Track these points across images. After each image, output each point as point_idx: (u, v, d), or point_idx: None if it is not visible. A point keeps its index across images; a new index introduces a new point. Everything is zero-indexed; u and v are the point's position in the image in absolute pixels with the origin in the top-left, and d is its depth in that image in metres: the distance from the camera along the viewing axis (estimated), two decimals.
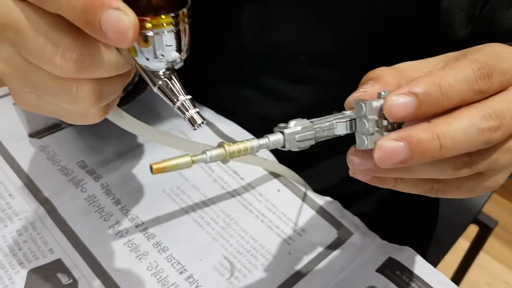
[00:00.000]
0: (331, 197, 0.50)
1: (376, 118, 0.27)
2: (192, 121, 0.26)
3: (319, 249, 0.45)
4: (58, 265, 0.42)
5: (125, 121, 0.35)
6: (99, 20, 0.23)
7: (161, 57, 0.26)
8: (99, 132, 0.54)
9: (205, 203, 0.48)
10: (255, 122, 0.57)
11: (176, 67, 0.27)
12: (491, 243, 1.07)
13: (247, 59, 0.55)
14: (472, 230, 0.82)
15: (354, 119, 0.28)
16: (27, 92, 0.28)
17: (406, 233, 0.58)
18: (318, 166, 0.58)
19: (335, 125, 0.28)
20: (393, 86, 0.28)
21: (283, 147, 0.27)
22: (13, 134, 0.53)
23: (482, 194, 0.31)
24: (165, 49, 0.25)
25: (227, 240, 0.45)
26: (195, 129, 0.26)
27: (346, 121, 0.28)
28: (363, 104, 0.27)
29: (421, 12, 0.47)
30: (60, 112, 0.29)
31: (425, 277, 0.43)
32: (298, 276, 0.43)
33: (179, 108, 0.26)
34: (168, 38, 0.25)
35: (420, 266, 0.44)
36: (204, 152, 0.25)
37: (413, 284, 0.42)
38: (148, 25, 0.24)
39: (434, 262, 0.68)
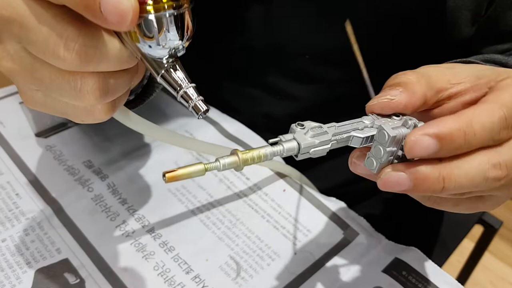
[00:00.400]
0: (337, 197, 0.50)
1: (394, 149, 0.27)
2: (196, 109, 0.26)
3: (325, 250, 0.45)
4: (65, 265, 0.42)
5: (132, 120, 0.35)
6: (99, 3, 0.23)
7: (163, 43, 0.25)
8: (105, 131, 0.54)
9: (211, 203, 0.48)
10: (259, 120, 0.57)
11: (179, 54, 0.27)
12: (496, 243, 1.07)
13: (251, 57, 0.55)
14: (477, 231, 0.82)
15: (371, 136, 0.28)
16: (34, 90, 0.28)
17: (411, 234, 0.58)
18: (323, 166, 0.58)
19: (352, 138, 0.28)
20: (419, 98, 0.28)
21: (296, 155, 0.27)
22: (20, 133, 0.53)
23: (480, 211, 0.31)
24: (166, 34, 0.25)
25: (233, 240, 0.45)
26: (199, 118, 0.26)
27: (363, 137, 0.28)
28: (386, 135, 0.27)
29: (427, 11, 0.47)
30: (67, 110, 0.29)
31: (431, 277, 0.43)
32: (304, 276, 0.43)
33: (182, 96, 0.26)
34: (169, 21, 0.25)
35: (427, 267, 0.44)
36: (217, 160, 0.25)
37: (419, 285, 0.42)
38: (149, 7, 0.24)
39: (439, 263, 0.67)
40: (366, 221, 0.48)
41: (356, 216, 0.49)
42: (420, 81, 0.29)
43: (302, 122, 0.28)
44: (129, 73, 0.29)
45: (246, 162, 0.26)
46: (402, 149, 0.27)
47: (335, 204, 0.49)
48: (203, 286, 0.42)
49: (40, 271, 0.41)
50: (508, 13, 0.46)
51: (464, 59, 0.37)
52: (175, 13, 0.25)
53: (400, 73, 0.30)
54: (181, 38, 0.26)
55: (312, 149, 0.27)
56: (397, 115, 0.29)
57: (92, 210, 0.46)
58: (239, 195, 0.49)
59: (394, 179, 0.27)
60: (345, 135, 0.28)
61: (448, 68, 0.31)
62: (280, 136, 0.27)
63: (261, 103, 0.57)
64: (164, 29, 0.25)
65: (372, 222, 0.49)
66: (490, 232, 0.82)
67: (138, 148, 0.53)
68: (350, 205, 0.50)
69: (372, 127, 0.28)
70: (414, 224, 0.65)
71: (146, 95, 0.40)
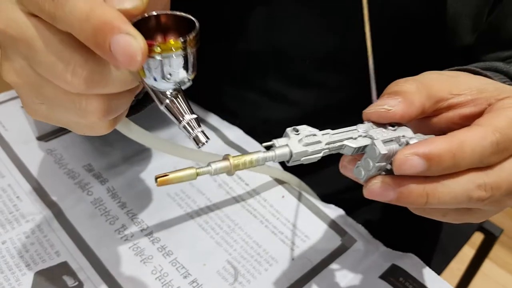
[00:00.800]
0: (335, 203, 0.51)
1: (383, 164, 0.28)
2: (196, 140, 0.27)
3: (323, 256, 0.45)
4: (64, 268, 0.42)
5: (133, 132, 0.36)
6: (109, 44, 0.23)
7: (168, 78, 0.26)
8: (106, 136, 0.54)
9: (209, 208, 0.49)
10: (259, 125, 0.57)
11: (183, 87, 0.28)
12: (496, 251, 1.06)
13: (252, 62, 0.55)
14: (477, 238, 0.82)
15: (364, 146, 0.28)
16: (38, 103, 0.29)
17: (410, 241, 0.58)
18: (322, 172, 0.58)
19: (344, 147, 0.29)
20: (417, 109, 0.29)
21: (287, 161, 0.28)
22: (22, 137, 0.54)
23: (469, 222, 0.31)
24: (172, 72, 0.26)
25: (231, 245, 0.46)
26: (199, 147, 0.27)
27: (355, 148, 0.28)
28: (377, 152, 0.27)
29: (428, 17, 0.47)
30: (69, 123, 0.30)
31: (429, 284, 0.43)
32: (301, 282, 0.43)
33: (184, 127, 0.27)
34: (176, 61, 0.25)
35: (424, 273, 0.44)
36: (209, 164, 0.26)
37: None
38: (157, 49, 0.24)
39: (439, 270, 0.68)
40: (364, 228, 0.48)
41: (354, 223, 0.49)
42: (420, 91, 0.29)
43: (297, 127, 0.28)
44: (132, 92, 0.29)
45: (237, 167, 0.27)
46: (391, 163, 0.27)
47: (333, 211, 0.50)
48: None
49: (39, 274, 0.41)
50: (509, 20, 0.46)
51: (465, 67, 0.37)
52: (182, 55, 0.25)
53: (401, 80, 0.30)
54: (187, 74, 0.27)
55: (303, 157, 0.28)
56: (392, 125, 0.29)
57: (91, 214, 0.47)
58: (238, 200, 0.50)
59: (379, 191, 0.28)
60: (337, 144, 0.28)
61: (451, 76, 0.31)
62: (274, 140, 0.28)
63: (260, 108, 0.58)
64: (171, 68, 0.26)
65: (371, 228, 0.49)
66: (490, 239, 0.82)
67: (138, 153, 0.53)
68: (349, 211, 0.50)
69: (366, 136, 0.28)
70: (413, 231, 0.65)
71: (147, 101, 0.40)
